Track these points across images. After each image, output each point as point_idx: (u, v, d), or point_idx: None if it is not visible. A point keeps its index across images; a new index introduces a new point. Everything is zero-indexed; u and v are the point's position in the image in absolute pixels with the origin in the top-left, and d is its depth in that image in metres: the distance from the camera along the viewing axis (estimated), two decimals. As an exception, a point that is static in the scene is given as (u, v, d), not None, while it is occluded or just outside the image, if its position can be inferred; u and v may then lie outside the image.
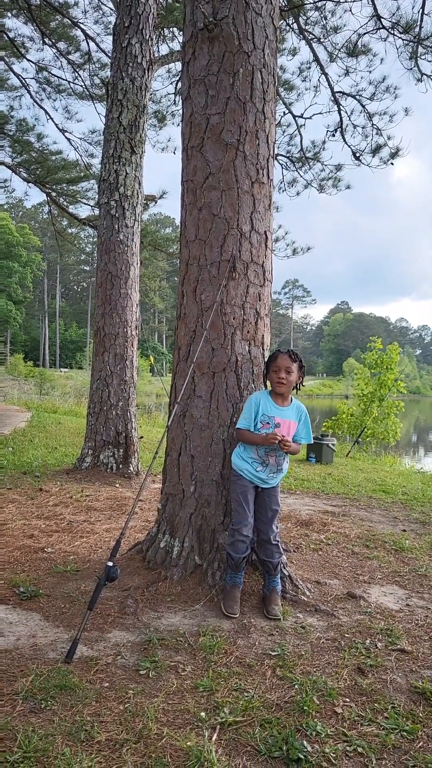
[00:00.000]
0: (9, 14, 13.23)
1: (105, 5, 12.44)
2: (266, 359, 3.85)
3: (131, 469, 7.95)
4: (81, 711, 2.45)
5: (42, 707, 2.46)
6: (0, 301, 60.43)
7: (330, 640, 3.27)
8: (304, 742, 2.31)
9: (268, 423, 3.62)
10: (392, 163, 11.20)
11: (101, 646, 3.06)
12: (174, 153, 13.51)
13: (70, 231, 21.67)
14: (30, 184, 14.68)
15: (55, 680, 2.66)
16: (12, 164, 14.52)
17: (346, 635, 3.34)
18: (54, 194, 14.94)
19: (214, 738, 2.33)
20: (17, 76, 14.07)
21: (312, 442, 3.91)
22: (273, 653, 3.07)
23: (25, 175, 14.57)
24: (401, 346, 16.85)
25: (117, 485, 7.33)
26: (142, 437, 8.89)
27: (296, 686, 2.74)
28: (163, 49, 11.79)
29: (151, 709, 2.48)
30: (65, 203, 15.22)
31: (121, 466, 7.91)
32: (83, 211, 15.11)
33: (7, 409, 18.35)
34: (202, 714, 2.48)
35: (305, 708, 2.55)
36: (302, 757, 2.22)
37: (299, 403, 3.79)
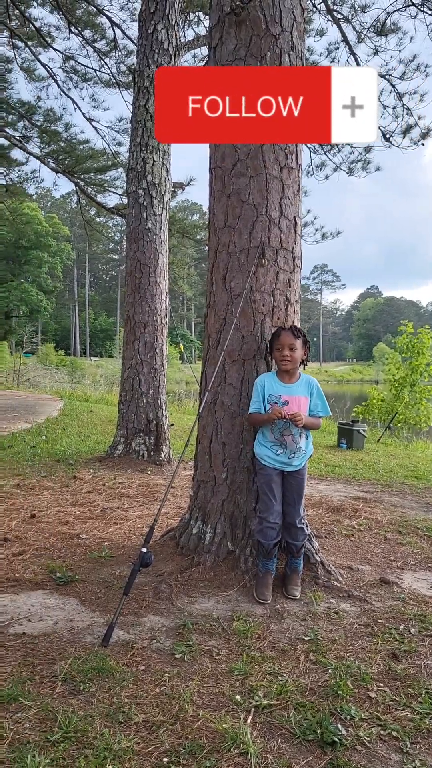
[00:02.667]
0: (35, 3, 13.25)
1: (130, -9, 12.39)
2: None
3: (162, 456, 8.02)
4: (118, 693, 2.50)
5: (81, 689, 2.52)
6: (31, 291, 61.07)
7: (363, 625, 3.28)
8: (339, 726, 2.33)
9: (275, 402, 3.62)
10: (423, 144, 11.01)
11: (137, 630, 3.11)
12: (201, 139, 13.43)
13: (98, 220, 21.77)
14: (58, 174, 14.75)
15: (92, 663, 2.72)
16: (40, 154, 14.60)
17: (380, 621, 3.34)
18: (82, 184, 14.99)
19: (249, 720, 2.37)
20: (44, 66, 14.13)
21: (330, 414, 3.86)
22: (306, 638, 3.09)
23: (53, 165, 14.64)
24: (433, 330, 16.53)
25: (149, 472, 7.40)
26: (173, 425, 8.95)
27: (330, 671, 2.76)
28: (189, 34, 11.72)
29: (186, 692, 2.53)
30: (93, 192, 15.26)
31: (152, 454, 7.98)
32: (111, 200, 15.10)
33: (40, 398, 18.61)
34: (237, 697, 2.52)
35: (339, 692, 2.57)
36: (337, 740, 2.24)
37: (309, 377, 3.75)
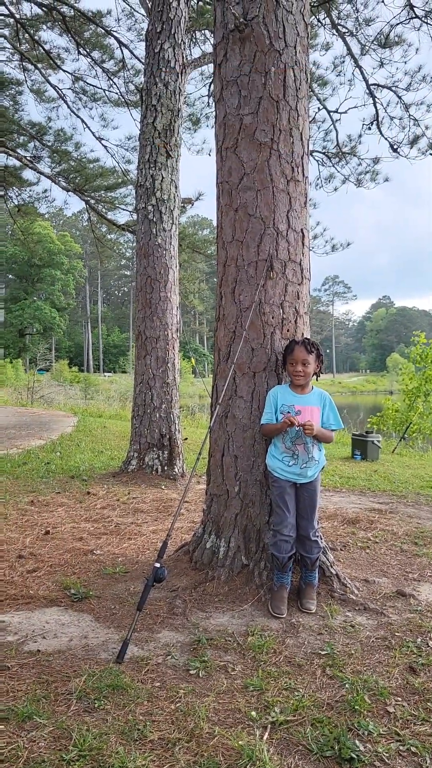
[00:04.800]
0: (44, 26, 13.48)
1: (137, 12, 12.58)
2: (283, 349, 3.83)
3: (176, 470, 8.01)
4: (133, 710, 2.49)
5: (95, 707, 2.50)
6: (44, 308, 61.57)
7: (380, 638, 3.24)
8: (356, 742, 2.29)
9: (288, 411, 3.63)
10: (431, 154, 11.04)
11: (151, 647, 3.10)
12: (209, 154, 13.52)
13: (109, 237, 21.96)
14: (69, 193, 14.91)
15: (107, 680, 2.70)
16: (51, 174, 14.78)
17: (397, 634, 3.30)
18: (93, 201, 15.15)
19: (265, 737, 2.34)
20: (54, 87, 14.32)
21: (343, 427, 3.86)
22: (322, 652, 3.05)
23: (64, 184, 14.81)
24: (446, 339, 16.43)
25: (162, 487, 7.39)
26: (186, 439, 8.95)
27: (347, 685, 2.73)
28: (196, 52, 11.84)
29: (202, 709, 2.50)
30: (104, 210, 15.41)
31: (166, 468, 7.98)
32: (122, 216, 15.24)
33: (54, 414, 18.68)
34: (253, 713, 2.49)
35: (356, 707, 2.53)
36: (355, 756, 2.21)
37: (321, 390, 3.79)
